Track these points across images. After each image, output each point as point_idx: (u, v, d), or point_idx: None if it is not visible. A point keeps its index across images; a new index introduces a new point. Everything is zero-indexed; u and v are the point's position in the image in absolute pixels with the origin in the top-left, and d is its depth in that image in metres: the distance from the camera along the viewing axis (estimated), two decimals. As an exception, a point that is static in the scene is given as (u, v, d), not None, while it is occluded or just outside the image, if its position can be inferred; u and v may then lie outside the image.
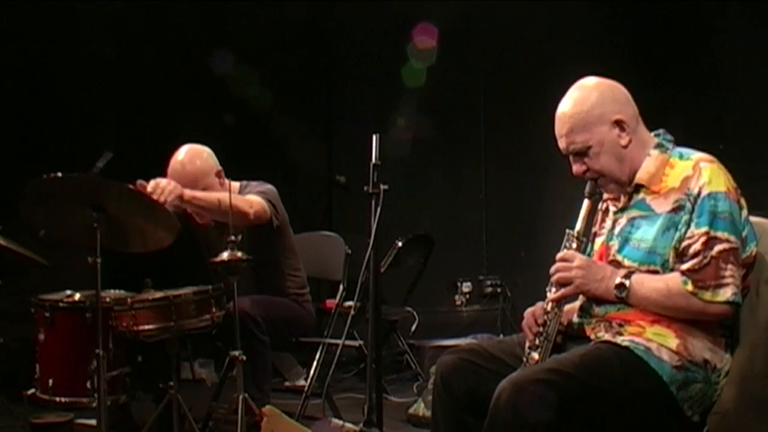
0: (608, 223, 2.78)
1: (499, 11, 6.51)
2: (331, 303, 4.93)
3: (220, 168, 4.18)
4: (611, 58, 5.90)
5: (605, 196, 2.81)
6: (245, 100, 6.20)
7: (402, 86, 6.35)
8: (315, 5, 6.83)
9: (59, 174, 3.41)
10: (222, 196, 3.78)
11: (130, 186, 3.53)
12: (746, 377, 2.52)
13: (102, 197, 3.46)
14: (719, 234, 2.52)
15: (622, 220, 2.72)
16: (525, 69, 6.60)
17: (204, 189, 4.05)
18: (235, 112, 6.26)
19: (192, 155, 4.14)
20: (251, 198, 4.05)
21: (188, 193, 3.83)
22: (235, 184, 4.22)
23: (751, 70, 5.75)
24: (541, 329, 2.66)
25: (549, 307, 2.67)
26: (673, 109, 5.70)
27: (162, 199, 3.65)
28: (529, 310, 2.74)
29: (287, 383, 5.32)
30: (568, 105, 2.70)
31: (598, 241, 2.79)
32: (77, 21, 5.97)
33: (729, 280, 2.51)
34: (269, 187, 4.20)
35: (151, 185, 3.69)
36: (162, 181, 3.74)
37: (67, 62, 5.97)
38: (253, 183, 4.24)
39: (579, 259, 2.65)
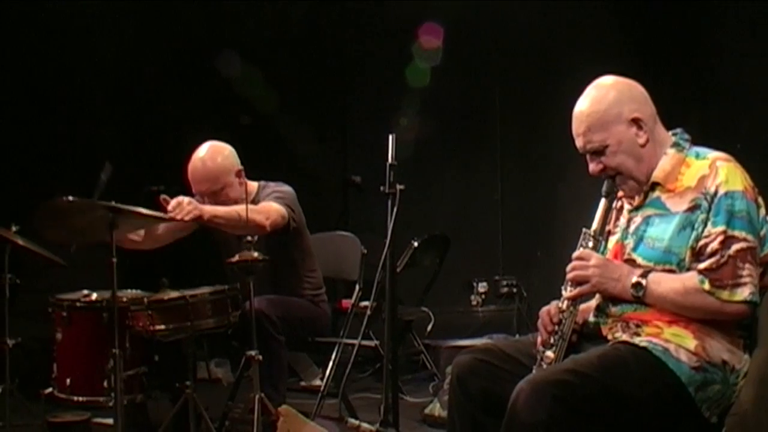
0: (622, 221, 2.77)
1: (514, 10, 6.51)
2: (347, 303, 4.94)
3: (240, 167, 4.15)
4: (628, 57, 5.90)
5: (620, 194, 2.79)
6: (260, 101, 6.22)
7: (418, 86, 6.35)
8: (327, 6, 6.83)
9: (71, 198, 3.42)
10: (240, 210, 3.76)
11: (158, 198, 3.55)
12: (765, 378, 2.50)
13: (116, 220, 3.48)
14: (736, 233, 2.51)
15: (637, 219, 2.70)
16: (540, 68, 6.59)
17: (223, 187, 4.05)
18: (250, 114, 6.28)
19: (213, 153, 4.12)
20: (269, 205, 4.04)
21: (208, 211, 3.83)
22: (253, 184, 4.24)
23: (769, 70, 5.72)
24: (556, 328, 2.65)
25: (564, 306, 2.66)
26: (691, 108, 5.68)
27: (179, 218, 3.67)
28: (545, 308, 2.72)
29: (303, 383, 5.33)
30: (585, 104, 2.69)
31: (612, 240, 2.78)
32: (82, 24, 6.01)
33: (747, 279, 2.49)
34: (287, 189, 4.20)
35: (172, 204, 3.72)
36: (184, 200, 3.75)
37: (73, 66, 6.01)
38: (272, 184, 4.24)
39: (595, 257, 2.64)
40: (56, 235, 3.69)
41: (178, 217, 3.67)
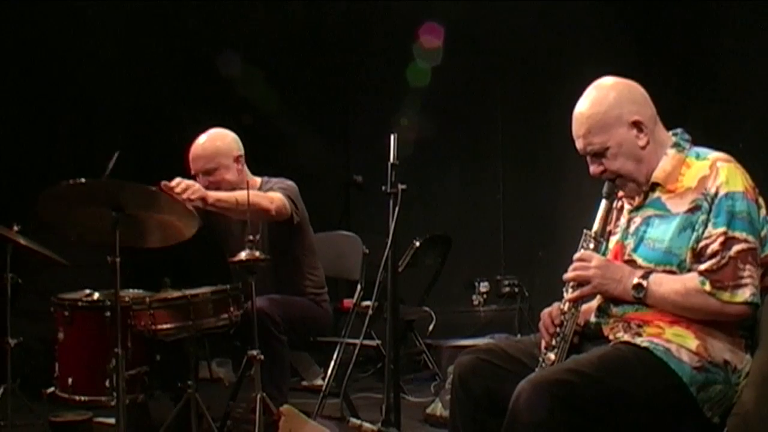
0: (623, 221, 2.77)
1: (514, 10, 6.51)
2: (348, 303, 4.94)
3: (240, 153, 4.19)
4: (628, 57, 5.90)
5: (620, 194, 2.79)
6: (261, 101, 6.22)
7: (419, 86, 6.36)
8: (327, 5, 6.84)
9: (82, 180, 3.42)
10: (243, 194, 3.78)
11: (153, 188, 3.55)
12: (766, 378, 2.50)
13: (122, 198, 3.47)
14: (737, 234, 2.51)
15: (637, 219, 2.70)
16: (540, 67, 6.60)
17: (218, 167, 4.09)
18: (253, 114, 6.28)
19: (214, 136, 4.19)
20: (272, 194, 4.07)
21: (212, 195, 3.84)
22: (257, 179, 4.25)
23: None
24: (558, 330, 2.65)
25: (566, 308, 2.66)
26: (691, 108, 5.68)
27: (185, 196, 3.68)
28: (546, 310, 2.73)
29: (305, 383, 5.33)
30: (585, 105, 2.69)
31: (613, 240, 2.78)
32: (83, 25, 6.02)
33: (747, 280, 2.50)
34: (290, 183, 4.22)
35: (175, 181, 3.73)
36: (187, 180, 3.77)
37: (74, 67, 6.02)
38: (274, 179, 4.26)
39: (597, 259, 2.65)
40: (57, 219, 3.68)
41: (185, 195, 3.68)
